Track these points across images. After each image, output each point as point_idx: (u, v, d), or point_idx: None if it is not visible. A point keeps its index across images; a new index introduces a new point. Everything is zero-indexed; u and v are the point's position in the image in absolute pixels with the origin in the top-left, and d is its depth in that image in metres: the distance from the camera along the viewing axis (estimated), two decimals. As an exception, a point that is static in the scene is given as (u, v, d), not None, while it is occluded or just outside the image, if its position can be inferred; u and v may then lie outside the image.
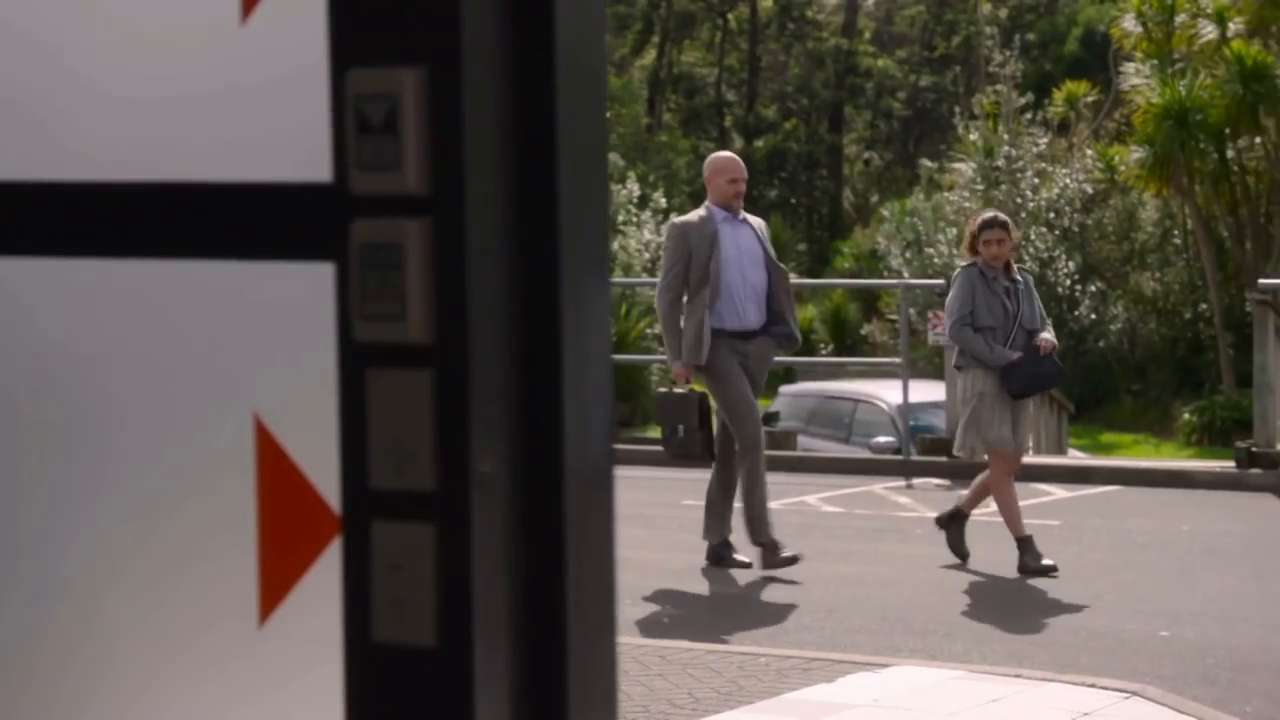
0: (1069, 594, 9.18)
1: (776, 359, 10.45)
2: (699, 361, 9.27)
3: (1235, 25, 27.07)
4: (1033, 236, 29.13)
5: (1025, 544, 9.70)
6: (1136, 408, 28.20)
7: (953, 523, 10.07)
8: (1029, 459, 15.15)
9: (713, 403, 9.51)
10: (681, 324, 9.34)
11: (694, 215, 9.66)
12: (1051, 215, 29.42)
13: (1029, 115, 31.12)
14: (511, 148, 1.32)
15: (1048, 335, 9.92)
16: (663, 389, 9.84)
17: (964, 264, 10.13)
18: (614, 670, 1.43)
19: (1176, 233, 29.33)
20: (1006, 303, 9.79)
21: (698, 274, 9.22)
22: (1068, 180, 29.80)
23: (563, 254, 1.32)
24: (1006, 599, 9.02)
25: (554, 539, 1.34)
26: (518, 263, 1.32)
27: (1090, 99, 33.87)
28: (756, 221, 9.79)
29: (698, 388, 9.62)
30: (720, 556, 9.61)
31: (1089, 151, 31.33)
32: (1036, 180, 29.76)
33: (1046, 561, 9.60)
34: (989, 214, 10.55)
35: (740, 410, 9.25)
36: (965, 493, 10.23)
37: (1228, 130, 26.78)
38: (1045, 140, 30.93)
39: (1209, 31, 27.26)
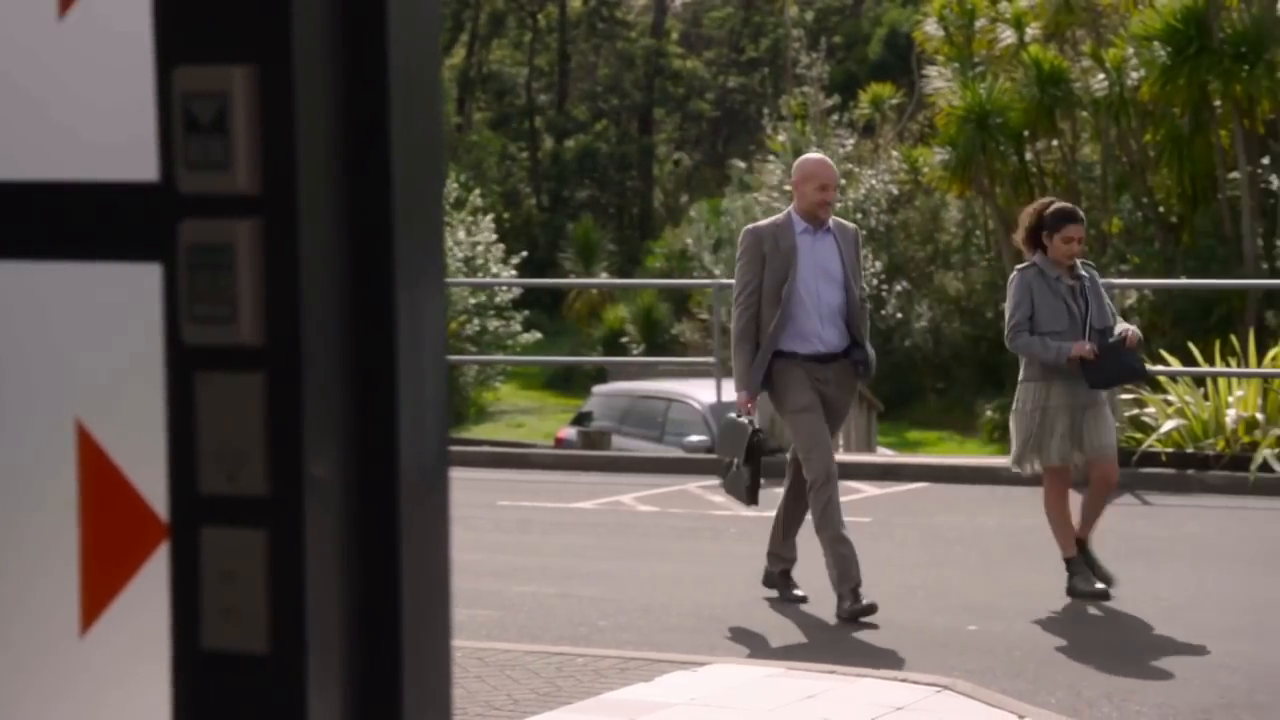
0: (880, 590, 9.31)
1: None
2: (748, 388, 8.42)
3: (1033, 30, 27.73)
4: (840, 237, 29.56)
5: (1074, 565, 8.86)
6: (941, 405, 28.76)
7: (1082, 558, 8.93)
8: (838, 456, 15.37)
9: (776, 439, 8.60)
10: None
11: (769, 222, 8.66)
12: (858, 216, 29.87)
13: (835, 117, 31.58)
14: (345, 147, 1.30)
15: (1132, 327, 9.00)
16: (731, 414, 8.80)
17: (1020, 266, 8.96)
18: (449, 674, 1.42)
19: (978, 233, 29.97)
20: (1072, 304, 8.75)
21: (770, 290, 8.27)
22: (874, 181, 30.30)
23: (397, 254, 1.31)
24: (818, 596, 9.12)
25: (389, 542, 1.32)
26: (352, 263, 1.30)
27: (895, 101, 34.47)
28: (846, 231, 8.65)
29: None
30: (775, 584, 8.80)
31: (894, 153, 31.89)
32: (843, 181, 30.17)
33: (1099, 586, 8.79)
34: (1060, 204, 9.16)
35: (806, 442, 8.31)
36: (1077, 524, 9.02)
37: (1026, 133, 27.43)
38: (851, 142, 31.42)
39: (1008, 36, 27.89)
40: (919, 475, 14.19)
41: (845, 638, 8.03)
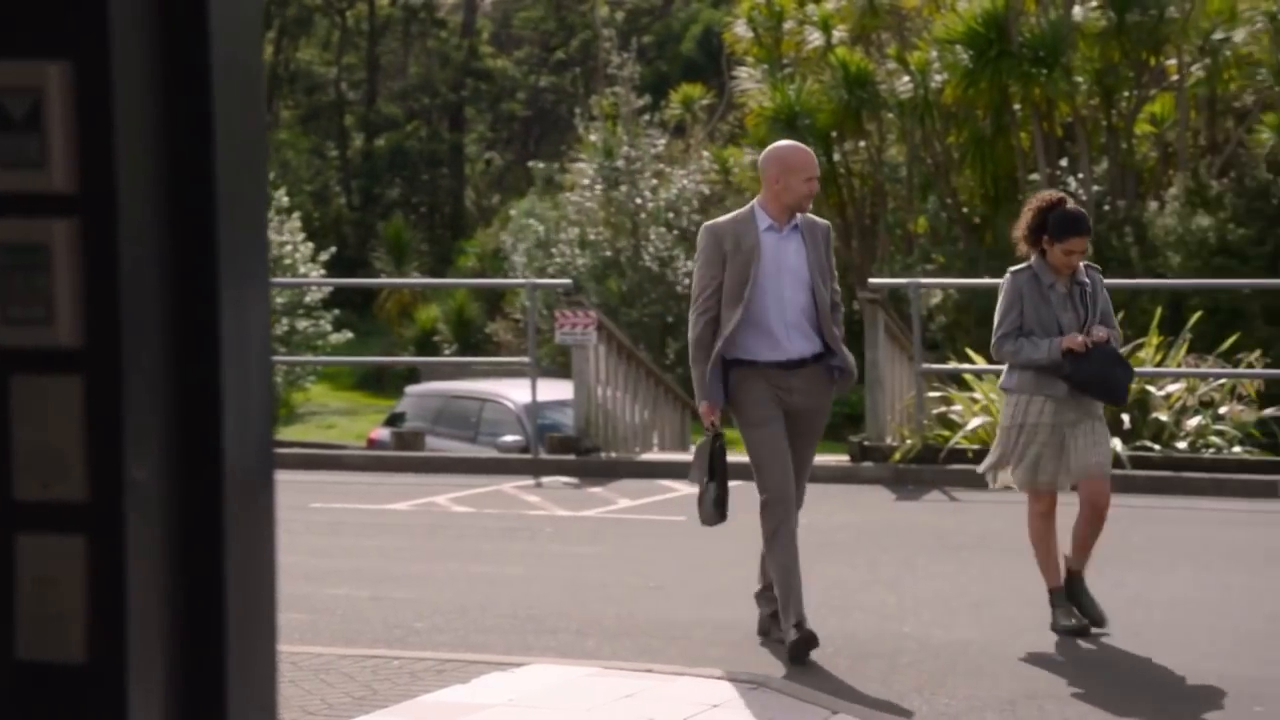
0: (696, 588, 9.39)
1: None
2: (709, 398, 7.61)
3: (839, 33, 28.11)
4: (653, 236, 29.69)
5: (1055, 599, 8.14)
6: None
7: (1074, 589, 8.19)
8: (651, 455, 15.46)
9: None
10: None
11: (729, 218, 7.77)
12: (670, 215, 30.04)
13: (647, 117, 31.69)
14: (165, 145, 1.27)
15: (1111, 330, 8.15)
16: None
17: (1013, 269, 8.20)
18: (274, 679, 1.40)
19: (789, 233, 30.24)
20: (1066, 313, 8.01)
21: (731, 292, 7.50)
22: (685, 181, 30.48)
23: (221, 254, 1.28)
24: (636, 595, 9.16)
25: (213, 547, 1.30)
26: (174, 263, 1.28)
27: (705, 102, 34.71)
28: (816, 228, 7.73)
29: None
30: (767, 631, 7.87)
31: (705, 153, 32.10)
32: (655, 181, 30.35)
33: (1079, 622, 8.05)
34: (1070, 208, 8.17)
35: (758, 459, 7.59)
36: (1068, 554, 8.24)
37: (834, 134, 27.79)
38: (663, 142, 31.56)
39: (815, 38, 28.24)
40: (736, 472, 14.28)
41: (662, 636, 8.07)
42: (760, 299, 7.48)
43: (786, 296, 7.53)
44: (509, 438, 17.66)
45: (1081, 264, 8.06)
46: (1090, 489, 8.04)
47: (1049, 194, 8.43)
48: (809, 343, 7.59)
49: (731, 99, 32.50)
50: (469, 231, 43.85)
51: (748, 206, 7.70)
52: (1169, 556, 10.30)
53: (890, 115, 27.23)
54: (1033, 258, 8.06)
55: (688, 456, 15.94)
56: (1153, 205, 25.63)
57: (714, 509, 7.78)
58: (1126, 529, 11.53)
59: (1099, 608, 8.05)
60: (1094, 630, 7.97)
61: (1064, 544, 8.22)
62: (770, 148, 7.80)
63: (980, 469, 8.57)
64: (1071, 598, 8.10)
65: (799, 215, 7.59)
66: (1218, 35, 25.39)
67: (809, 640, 7.35)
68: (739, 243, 7.49)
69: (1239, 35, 25.55)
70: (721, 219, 7.82)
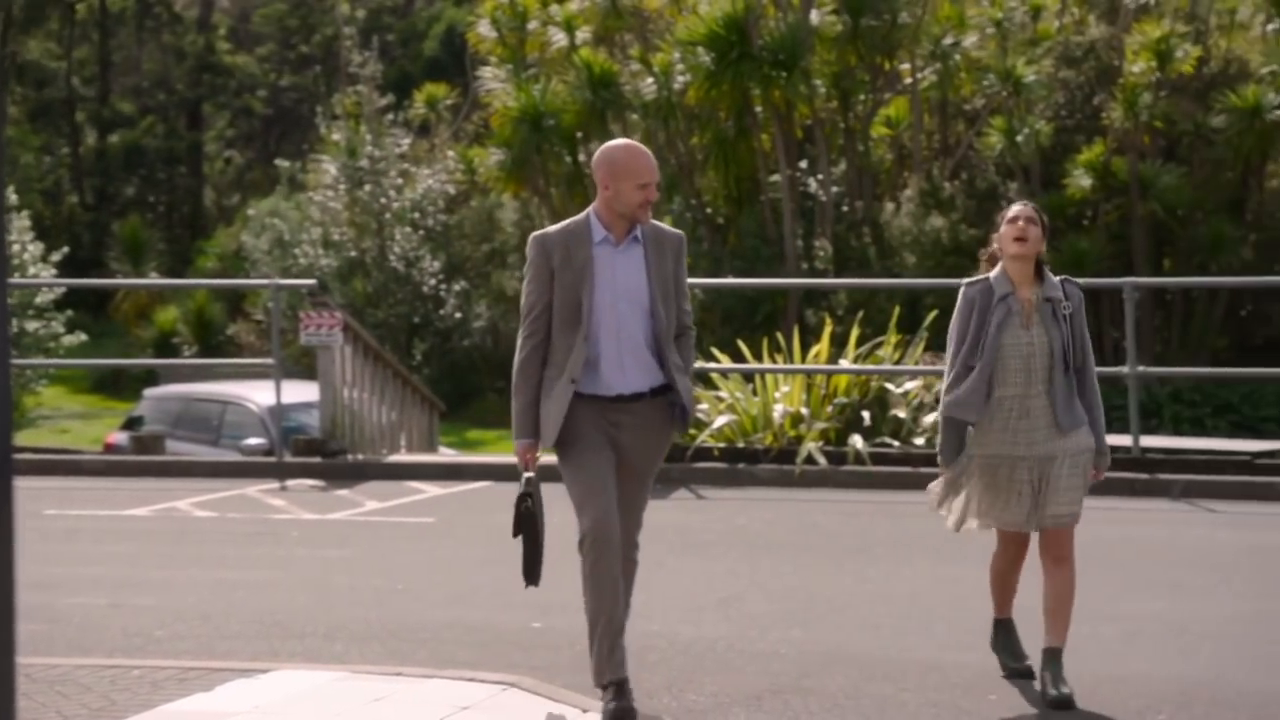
0: (445, 590, 9.33)
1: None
2: (528, 435, 6.61)
3: (583, 34, 28.23)
4: (398, 237, 29.47)
5: (996, 631, 7.26)
6: (501, 404, 28.97)
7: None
8: (399, 457, 15.34)
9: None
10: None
11: (560, 228, 6.64)
12: (416, 215, 29.85)
13: (391, 116, 31.44)
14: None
15: (1103, 461, 6.89)
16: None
17: (968, 280, 6.96)
18: (12, 694, 1.34)
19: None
20: (1026, 335, 6.74)
21: (563, 313, 6.49)
22: (430, 181, 30.32)
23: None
24: (384, 598, 9.07)
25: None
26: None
27: (450, 101, 34.57)
28: (665, 240, 6.63)
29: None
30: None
31: (450, 153, 31.97)
32: (400, 181, 30.13)
33: (1026, 664, 7.11)
34: (1019, 203, 7.05)
35: (578, 495, 6.51)
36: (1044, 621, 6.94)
37: (580, 134, 27.90)
38: (407, 141, 31.35)
39: (559, 39, 28.33)
40: (482, 474, 14.27)
41: (411, 639, 8.00)
42: (594, 322, 6.47)
43: (622, 321, 6.49)
44: (253, 440, 17.35)
45: (1056, 277, 6.83)
46: (1048, 538, 6.85)
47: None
48: (647, 375, 6.56)
49: (476, 99, 32.43)
50: (209, 231, 43.03)
51: (583, 214, 6.60)
52: (908, 550, 10.55)
53: (635, 116, 27.42)
54: (990, 272, 6.86)
55: (436, 458, 15.88)
56: (889, 206, 26.26)
57: (524, 570, 6.65)
58: (867, 524, 11.78)
59: (1064, 689, 6.69)
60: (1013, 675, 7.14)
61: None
62: (603, 148, 6.64)
63: (936, 506, 7.21)
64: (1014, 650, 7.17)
65: (641, 226, 6.53)
66: (948, 41, 26.11)
67: (625, 715, 6.33)
68: (569, 257, 6.47)
69: (968, 41, 26.30)
70: (552, 228, 6.66)
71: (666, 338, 6.55)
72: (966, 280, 6.90)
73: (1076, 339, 6.77)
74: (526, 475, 6.55)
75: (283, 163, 36.54)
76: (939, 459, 7.03)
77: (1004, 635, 7.22)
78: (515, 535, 6.60)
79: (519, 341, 6.64)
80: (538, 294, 6.53)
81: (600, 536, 6.43)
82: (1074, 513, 6.78)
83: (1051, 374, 6.71)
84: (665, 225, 6.72)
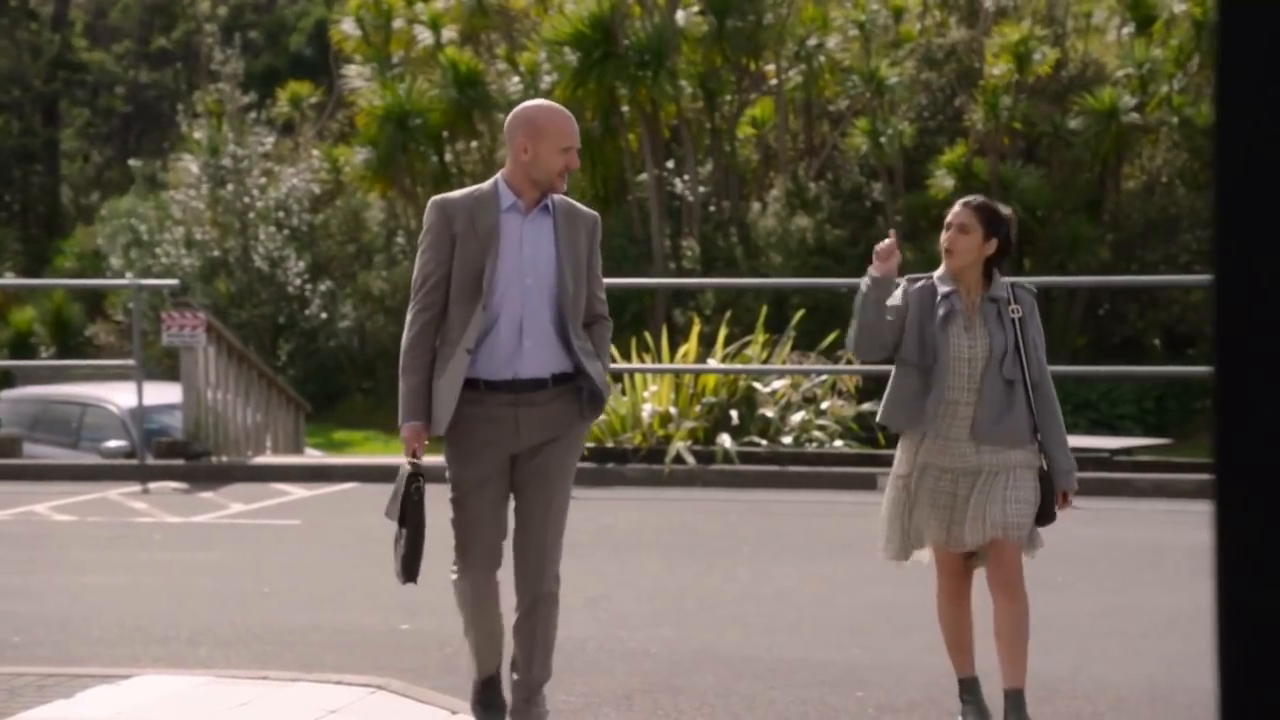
0: (312, 592, 9.25)
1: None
2: (415, 418, 5.90)
3: (449, 32, 28.13)
4: (262, 236, 29.17)
5: (963, 691, 6.44)
6: (367, 405, 28.77)
7: (1013, 710, 6.25)
8: (265, 459, 15.18)
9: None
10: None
11: (466, 193, 6.01)
12: (280, 215, 29.56)
13: (254, 114, 31.11)
14: None
15: (1068, 480, 6.25)
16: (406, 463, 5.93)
17: (909, 276, 6.38)
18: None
19: (401, 233, 30.16)
20: (965, 338, 6.19)
21: (461, 287, 5.84)
22: (295, 180, 30.04)
23: None
24: (250, 601, 8.97)
25: None
26: None
27: (314, 100, 34.28)
28: (578, 218, 6.06)
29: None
30: (484, 702, 6.20)
31: (315, 152, 31.70)
32: (264, 180, 29.80)
33: None
34: (958, 204, 6.37)
35: (460, 518, 5.92)
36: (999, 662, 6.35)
37: (446, 134, 27.79)
38: (271, 140, 31.03)
39: (425, 37, 28.20)
40: (348, 476, 14.17)
41: (277, 642, 7.92)
42: (496, 299, 5.83)
43: (527, 296, 5.86)
44: (113, 443, 17.08)
45: (1005, 280, 6.32)
46: (997, 556, 6.21)
47: None
48: (553, 359, 5.89)
49: (341, 97, 32.18)
50: (66, 230, 42.29)
51: (490, 180, 5.98)
52: (776, 549, 10.62)
53: (502, 116, 27.34)
54: (933, 272, 6.34)
55: (302, 459, 15.73)
56: (756, 206, 26.41)
57: (401, 566, 5.90)
58: (736, 523, 11.84)
59: None
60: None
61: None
62: (519, 108, 6.01)
63: (881, 549, 6.43)
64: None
65: (554, 197, 5.94)
66: (812, 42, 26.33)
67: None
68: (473, 223, 5.83)
69: (832, 42, 26.54)
70: (455, 193, 6.05)
71: (575, 319, 5.90)
72: (908, 276, 6.33)
73: (1029, 348, 6.21)
74: (413, 462, 5.86)
75: (135, 162, 36.01)
76: (848, 342, 6.36)
77: (969, 698, 6.38)
78: (400, 525, 5.86)
79: (409, 316, 5.93)
80: (435, 263, 5.87)
81: (483, 562, 5.91)
82: (1018, 524, 6.09)
83: (984, 380, 6.15)
84: (580, 205, 6.14)
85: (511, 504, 6.01)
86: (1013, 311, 6.21)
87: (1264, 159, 1.52)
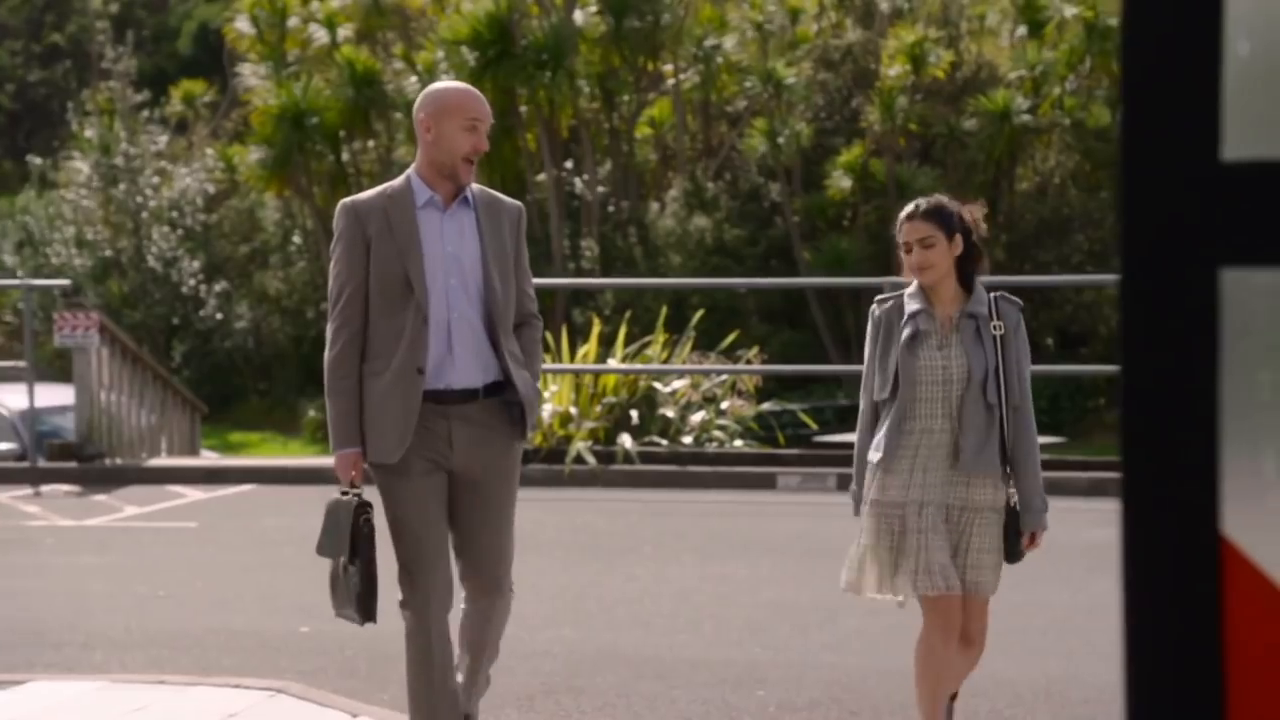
0: (209, 596, 9.15)
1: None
2: (349, 444, 5.39)
3: (345, 31, 27.98)
4: (155, 236, 28.85)
5: None
6: (263, 406, 28.54)
7: None
8: (160, 461, 15.01)
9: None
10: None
11: (377, 192, 5.47)
12: (174, 214, 29.27)
13: (147, 113, 30.79)
14: None
15: (1039, 520, 5.61)
16: (338, 494, 5.46)
17: (880, 297, 5.66)
18: None
19: (297, 232, 29.96)
20: (940, 361, 5.47)
21: (382, 293, 5.32)
22: (189, 180, 29.76)
23: None
24: (145, 605, 8.87)
25: None
26: None
27: (208, 99, 33.97)
28: (500, 210, 5.53)
29: None
30: None
31: (209, 151, 31.41)
32: (157, 179, 29.50)
33: None
34: (906, 217, 5.55)
35: (402, 549, 5.44)
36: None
37: (343, 133, 27.63)
38: (165, 139, 30.73)
39: (321, 36, 28.03)
40: (245, 477, 14.04)
41: (173, 646, 7.84)
42: (417, 304, 5.31)
43: (453, 299, 5.35)
44: (4, 445, 16.81)
45: (989, 294, 5.59)
46: (968, 610, 5.66)
47: None
48: (480, 368, 5.40)
49: (236, 96, 31.90)
50: (-46, 230, 41.60)
51: (402, 176, 5.47)
52: (676, 549, 10.63)
53: (399, 115, 27.23)
54: (902, 290, 5.63)
55: (197, 461, 15.57)
56: (654, 206, 26.47)
57: (355, 605, 5.46)
58: (636, 523, 11.85)
59: None
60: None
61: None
62: (425, 90, 5.49)
63: (844, 584, 5.70)
64: None
65: (474, 188, 5.45)
66: (710, 42, 26.42)
67: None
68: (389, 224, 5.33)
69: (729, 43, 26.65)
70: (365, 194, 5.50)
71: (504, 322, 5.40)
72: (878, 298, 5.63)
73: (1010, 368, 5.47)
74: (355, 492, 5.37)
75: (34, 159, 35.52)
76: (853, 498, 5.70)
77: None
78: (350, 561, 5.41)
79: (329, 333, 5.39)
80: (349, 273, 5.34)
81: (436, 598, 5.48)
82: (989, 581, 5.59)
83: (962, 404, 5.44)
84: (503, 196, 5.61)
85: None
86: (995, 328, 5.48)
87: (1168, 156, 1.54)
